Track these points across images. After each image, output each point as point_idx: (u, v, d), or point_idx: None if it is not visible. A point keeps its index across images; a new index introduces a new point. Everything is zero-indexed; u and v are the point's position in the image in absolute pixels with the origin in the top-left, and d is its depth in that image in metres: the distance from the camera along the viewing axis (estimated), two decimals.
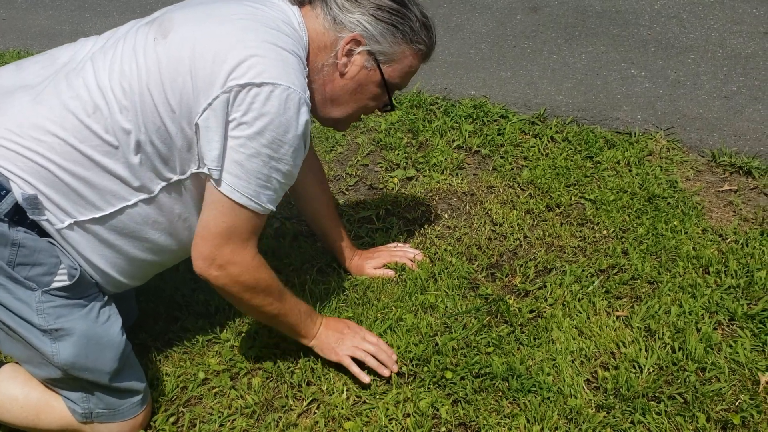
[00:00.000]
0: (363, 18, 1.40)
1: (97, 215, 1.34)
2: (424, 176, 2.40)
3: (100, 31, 3.86)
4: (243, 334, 1.80)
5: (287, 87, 1.24)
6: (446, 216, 2.19)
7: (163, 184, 1.36)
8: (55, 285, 1.34)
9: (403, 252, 2.00)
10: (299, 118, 1.28)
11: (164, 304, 1.91)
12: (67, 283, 1.35)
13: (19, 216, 1.29)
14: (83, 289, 1.40)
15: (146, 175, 1.34)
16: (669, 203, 2.12)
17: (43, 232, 1.33)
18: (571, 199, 2.19)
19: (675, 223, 2.02)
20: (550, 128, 2.58)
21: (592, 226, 2.08)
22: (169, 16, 1.36)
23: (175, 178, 1.36)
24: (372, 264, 1.97)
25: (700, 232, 2.00)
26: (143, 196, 1.36)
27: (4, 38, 3.87)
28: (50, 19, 4.12)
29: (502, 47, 3.33)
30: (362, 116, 1.66)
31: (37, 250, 1.31)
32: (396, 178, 2.41)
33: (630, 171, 2.29)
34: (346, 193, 2.38)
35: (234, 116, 1.25)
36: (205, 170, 1.32)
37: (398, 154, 2.52)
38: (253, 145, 1.26)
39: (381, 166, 2.49)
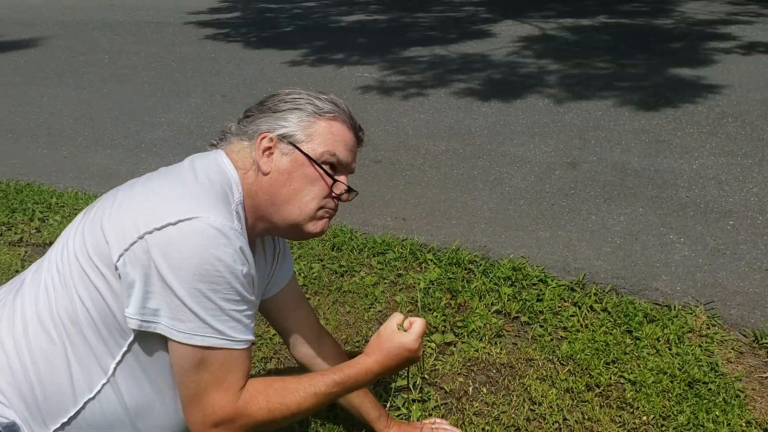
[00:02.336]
0: (264, 118, 1.43)
1: (65, 419, 1.32)
2: (463, 342, 2.42)
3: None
4: None
5: (207, 218, 1.22)
6: (485, 390, 2.19)
7: (114, 362, 1.31)
8: None
9: (444, 430, 1.99)
10: (228, 244, 1.23)
11: None
12: None
13: None
14: None
15: (95, 356, 1.30)
16: (710, 389, 2.10)
17: None
18: (610, 378, 2.18)
19: (717, 413, 2.00)
20: (589, 296, 2.60)
21: (631, 410, 2.06)
22: (98, 202, 1.42)
23: (122, 350, 1.30)
24: None
25: (744, 424, 1.97)
26: (102, 381, 1.32)
27: (64, 177, 4.06)
28: (108, 159, 4.33)
29: (540, 204, 3.41)
30: (330, 209, 1.49)
31: None
32: (434, 343, 2.43)
33: (670, 350, 2.28)
34: None
35: (157, 260, 1.20)
36: (135, 322, 1.25)
37: (437, 316, 2.55)
38: (192, 286, 1.21)
39: None
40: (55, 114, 5.27)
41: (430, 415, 2.08)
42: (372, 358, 1.45)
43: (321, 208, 1.46)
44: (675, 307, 2.51)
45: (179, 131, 4.75)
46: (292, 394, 1.35)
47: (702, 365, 2.20)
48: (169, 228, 1.20)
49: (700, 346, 2.30)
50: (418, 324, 1.48)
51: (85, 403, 1.32)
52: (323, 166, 1.43)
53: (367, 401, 1.90)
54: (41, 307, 1.32)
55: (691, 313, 2.47)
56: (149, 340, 1.29)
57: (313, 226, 1.46)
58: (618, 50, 6.13)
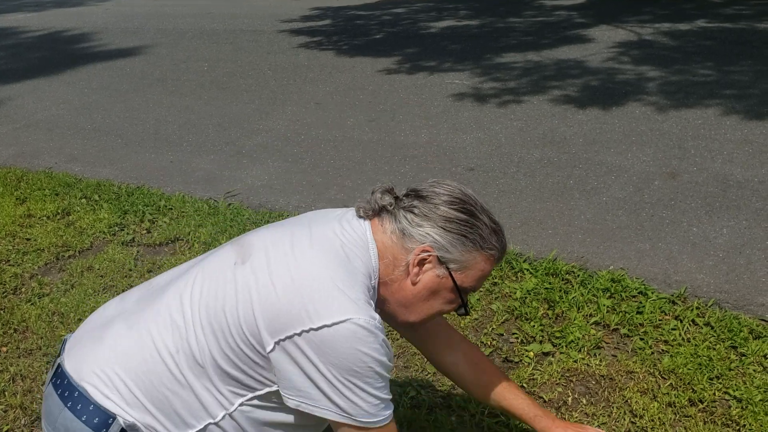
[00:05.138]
0: (432, 230, 1.44)
1: None
2: (561, 353, 2.42)
3: (256, 177, 4.18)
4: None
5: (358, 318, 1.30)
6: (584, 401, 2.19)
7: (239, 402, 1.41)
8: None
9: None
10: (378, 341, 1.32)
11: None
12: None
13: None
14: None
15: (225, 393, 1.40)
16: None
17: None
18: (715, 394, 2.15)
19: None
20: (691, 310, 2.55)
21: (737, 427, 2.02)
22: (249, 240, 1.49)
23: (251, 394, 1.41)
24: None
25: None
26: (224, 412, 1.41)
27: (171, 181, 4.27)
28: (211, 164, 4.51)
29: (639, 215, 3.36)
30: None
31: None
32: (531, 353, 2.44)
33: None
34: None
35: (313, 357, 1.30)
36: (294, 402, 1.36)
37: (534, 326, 2.56)
38: (347, 379, 1.32)
39: (516, 337, 2.53)
40: (160, 120, 5.53)
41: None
42: None
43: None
44: None
45: (277, 138, 4.90)
46: None
47: None
48: (325, 329, 1.29)
49: None
50: None
51: (206, 425, 1.42)
52: (463, 296, 1.51)
53: (520, 399, 1.82)
54: (172, 337, 1.41)
55: None
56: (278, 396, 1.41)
57: (420, 327, 1.63)
58: (721, 56, 5.94)
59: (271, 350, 1.33)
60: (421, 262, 1.46)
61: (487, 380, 1.82)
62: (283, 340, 1.31)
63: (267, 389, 1.40)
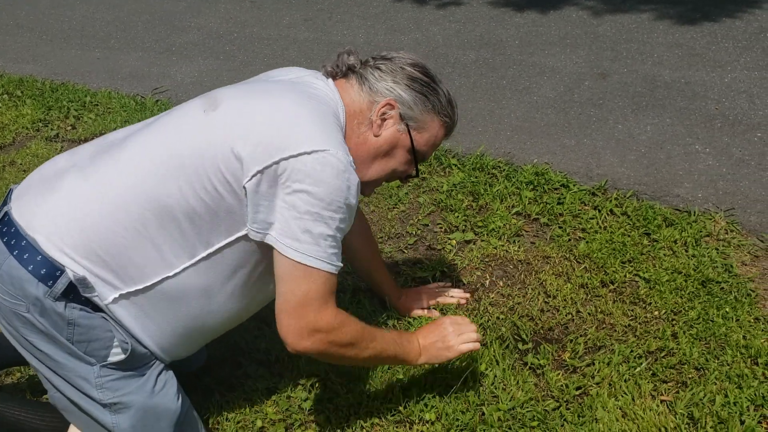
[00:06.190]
0: (396, 86, 1.55)
1: (140, 286, 1.40)
2: (482, 240, 2.48)
3: (185, 74, 4.08)
4: (299, 386, 1.90)
5: (335, 152, 1.34)
6: (501, 283, 2.27)
7: (205, 252, 1.41)
8: (111, 359, 1.42)
9: (446, 292, 2.19)
10: (351, 179, 1.37)
11: (230, 349, 2.03)
12: (122, 357, 1.43)
13: (74, 293, 1.37)
14: (138, 359, 1.47)
15: (190, 243, 1.39)
16: (722, 288, 2.15)
17: (97, 307, 1.41)
18: (625, 276, 2.24)
19: (727, 309, 2.05)
20: (610, 201, 2.63)
21: (644, 305, 2.12)
22: (217, 92, 1.49)
23: (217, 244, 1.40)
24: (418, 305, 2.16)
25: (752, 320, 2.02)
26: (185, 264, 1.41)
27: (97, 77, 4.13)
28: (140, 61, 4.38)
29: (568, 113, 3.41)
30: (389, 182, 1.76)
31: (92, 327, 1.39)
32: (454, 241, 2.50)
33: (686, 251, 2.33)
34: (405, 251, 2.47)
35: (288, 184, 1.32)
36: (259, 235, 1.38)
37: (458, 216, 2.61)
38: (316, 211, 1.33)
39: (440, 227, 2.58)
40: (87, 17, 5.31)
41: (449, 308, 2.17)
42: (422, 357, 1.69)
43: (384, 182, 1.67)
44: (695, 212, 2.54)
45: (209, 36, 4.77)
46: (375, 342, 1.56)
47: (717, 266, 2.25)
48: (305, 156, 1.32)
49: (716, 249, 2.34)
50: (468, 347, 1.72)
51: (163, 279, 1.42)
52: (416, 156, 1.61)
53: (386, 279, 2.17)
54: (138, 184, 1.37)
55: (711, 219, 2.50)
56: (247, 246, 1.43)
57: (369, 191, 1.65)
58: None
59: (248, 180, 1.33)
60: (384, 116, 1.54)
61: (367, 255, 2.10)
62: (261, 171, 1.33)
63: (234, 236, 1.40)
